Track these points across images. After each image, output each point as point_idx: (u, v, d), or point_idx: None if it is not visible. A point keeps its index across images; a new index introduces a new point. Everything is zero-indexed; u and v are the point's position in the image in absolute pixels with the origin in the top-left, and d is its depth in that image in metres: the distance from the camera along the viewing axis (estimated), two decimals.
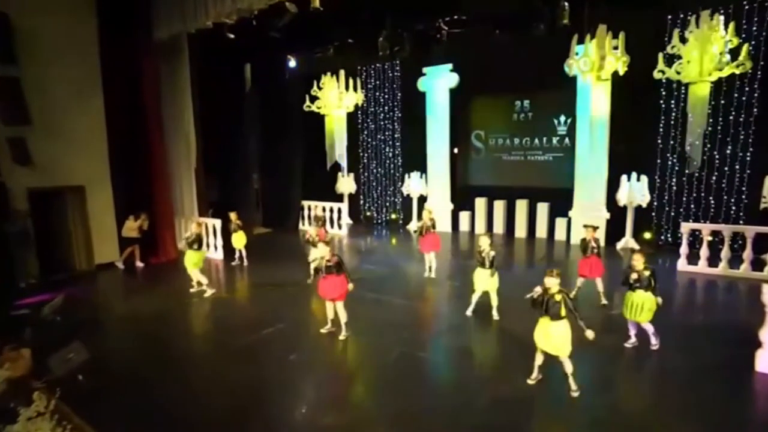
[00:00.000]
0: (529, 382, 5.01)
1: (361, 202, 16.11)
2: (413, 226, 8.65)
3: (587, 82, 9.77)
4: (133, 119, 10.75)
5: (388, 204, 15.68)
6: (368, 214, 16.12)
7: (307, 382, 5.48)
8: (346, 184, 15.68)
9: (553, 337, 4.70)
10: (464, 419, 4.55)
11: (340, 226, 14.53)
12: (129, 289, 9.64)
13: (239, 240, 10.46)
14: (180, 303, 8.29)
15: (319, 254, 6.40)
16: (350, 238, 14.05)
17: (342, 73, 12.12)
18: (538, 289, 4.76)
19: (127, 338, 7.02)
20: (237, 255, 10.72)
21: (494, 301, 6.92)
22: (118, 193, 10.84)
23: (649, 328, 5.71)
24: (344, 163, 13.26)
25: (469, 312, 7.09)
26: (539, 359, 4.97)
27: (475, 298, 7.05)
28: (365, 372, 5.77)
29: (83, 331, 6.80)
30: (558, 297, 4.65)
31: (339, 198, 15.50)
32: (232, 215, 10.52)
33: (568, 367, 4.77)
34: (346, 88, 12.62)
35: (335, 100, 12.36)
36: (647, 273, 5.61)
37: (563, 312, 4.66)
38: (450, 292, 8.48)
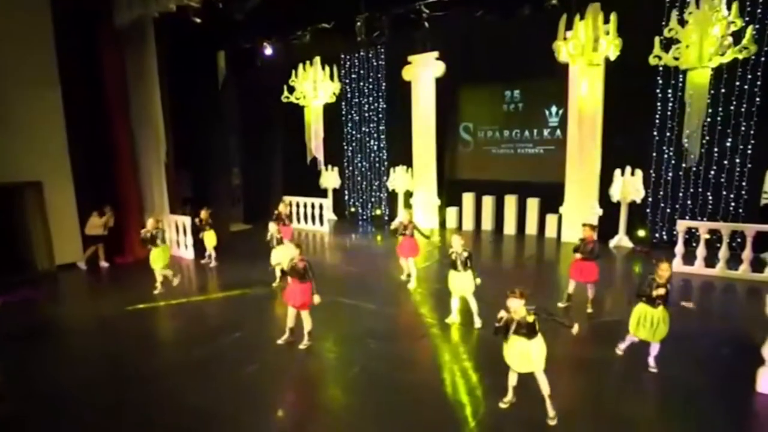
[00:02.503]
0: (502, 405, 4.42)
1: (346, 197, 15.50)
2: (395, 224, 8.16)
3: (577, 68, 9.08)
4: (96, 110, 10.09)
5: (373, 199, 15.06)
6: (353, 209, 15.49)
7: (259, 407, 4.88)
8: (329, 178, 15.08)
9: (528, 355, 4.11)
10: None
11: (322, 223, 13.92)
12: (87, 292, 9.01)
13: (210, 239, 9.88)
14: (138, 309, 7.66)
15: (285, 255, 5.85)
16: (332, 235, 13.44)
17: (317, 60, 11.41)
18: (503, 315, 4.09)
19: (69, 352, 6.30)
20: (207, 254, 10.11)
21: (473, 306, 6.31)
22: (81, 189, 10.17)
23: (655, 349, 5.04)
24: (321, 157, 12.56)
25: (449, 319, 6.52)
26: (513, 379, 4.38)
27: (453, 303, 6.48)
28: (324, 391, 5.18)
29: (14, 344, 6.22)
30: (530, 319, 4.03)
31: (323, 193, 14.91)
32: (202, 213, 9.94)
33: (545, 388, 4.16)
34: (323, 76, 11.90)
35: (311, 90, 11.66)
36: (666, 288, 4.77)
37: (537, 328, 4.08)
38: (431, 296, 7.87)
